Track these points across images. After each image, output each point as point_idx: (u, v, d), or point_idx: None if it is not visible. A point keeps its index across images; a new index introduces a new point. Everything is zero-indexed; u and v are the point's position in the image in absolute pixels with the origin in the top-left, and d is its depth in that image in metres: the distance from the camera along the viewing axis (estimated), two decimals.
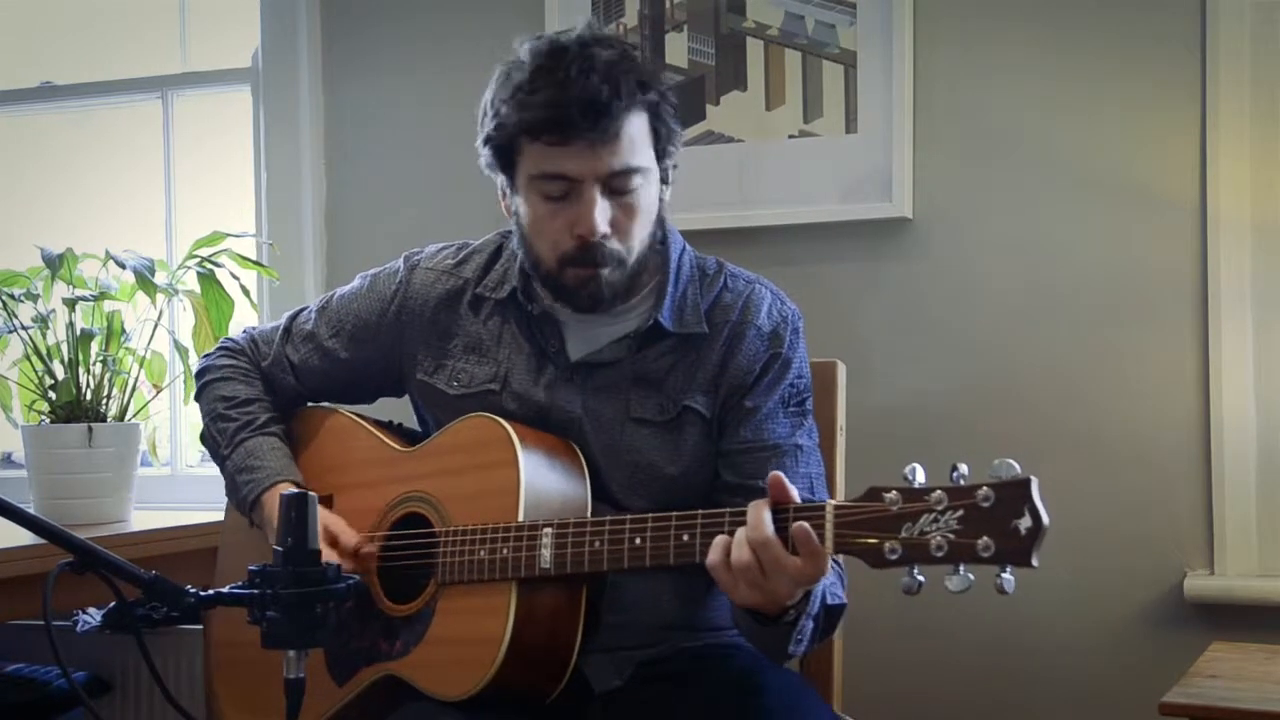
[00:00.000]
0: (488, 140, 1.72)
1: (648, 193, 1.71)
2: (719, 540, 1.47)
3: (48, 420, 2.54)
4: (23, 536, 2.06)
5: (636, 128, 1.67)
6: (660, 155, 1.73)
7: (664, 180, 1.75)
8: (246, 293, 2.66)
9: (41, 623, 1.30)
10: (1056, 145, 2.43)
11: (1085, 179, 2.41)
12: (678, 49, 2.65)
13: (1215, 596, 2.31)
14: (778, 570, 1.43)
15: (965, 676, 2.46)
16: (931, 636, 2.45)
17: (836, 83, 2.54)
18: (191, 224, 3.06)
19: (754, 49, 2.60)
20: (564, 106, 1.62)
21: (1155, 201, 2.37)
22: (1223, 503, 2.31)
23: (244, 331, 2.01)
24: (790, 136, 2.57)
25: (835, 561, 1.67)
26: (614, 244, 1.68)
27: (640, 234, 1.71)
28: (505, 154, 1.71)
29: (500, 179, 1.75)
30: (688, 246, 1.82)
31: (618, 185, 1.67)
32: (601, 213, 1.66)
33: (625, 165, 1.66)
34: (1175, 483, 2.36)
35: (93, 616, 1.38)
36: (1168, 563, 2.36)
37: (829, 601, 1.60)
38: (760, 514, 1.44)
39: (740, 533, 1.45)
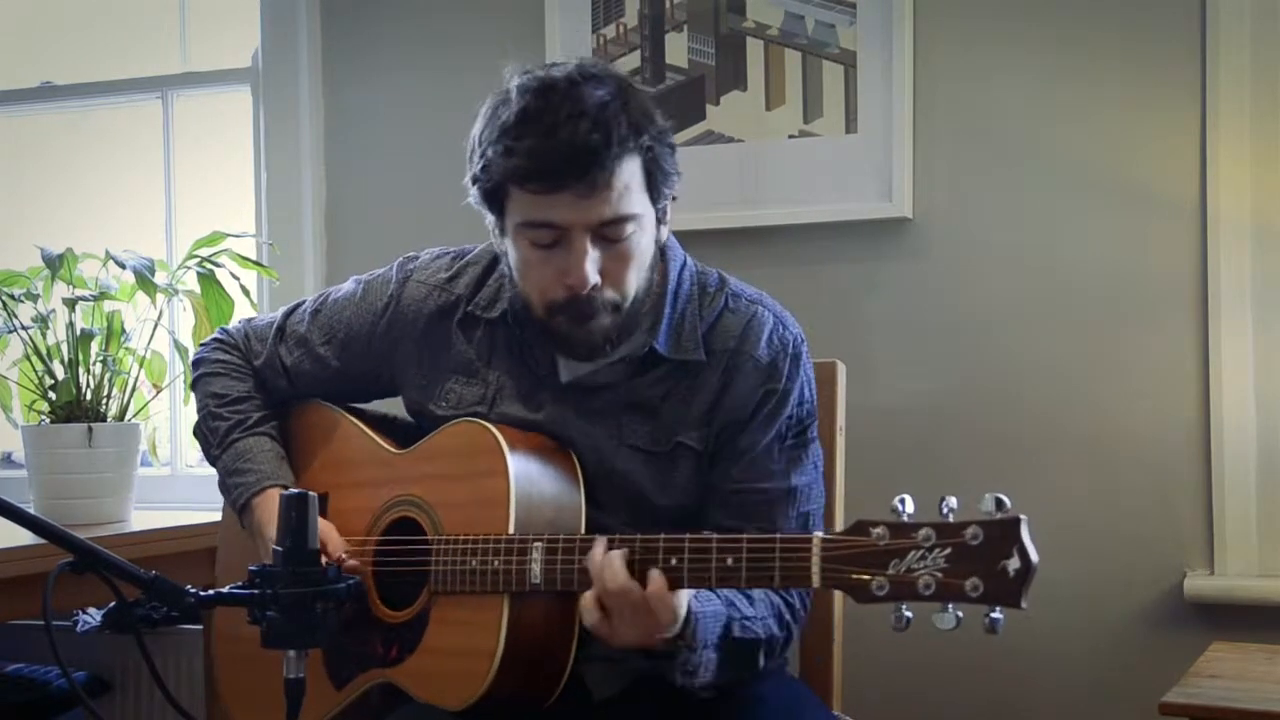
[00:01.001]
0: (475, 181, 1.65)
1: (641, 239, 1.63)
2: (588, 604, 1.50)
3: (48, 420, 2.54)
4: (23, 536, 2.05)
5: (629, 174, 1.59)
6: (655, 199, 1.65)
7: (660, 220, 1.68)
8: (246, 293, 2.66)
9: (41, 623, 1.30)
10: (1056, 145, 2.43)
11: (1085, 179, 2.41)
12: (678, 49, 2.65)
13: (1215, 596, 2.31)
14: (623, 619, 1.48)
15: (965, 677, 2.46)
16: (930, 637, 2.44)
17: (836, 83, 2.54)
18: (191, 224, 3.06)
19: (754, 49, 2.60)
20: (550, 156, 1.54)
21: (1155, 201, 2.37)
22: (1223, 503, 2.31)
23: (240, 323, 1.99)
24: (790, 136, 2.57)
25: (779, 593, 1.65)
26: (608, 293, 1.62)
27: (634, 280, 1.64)
28: (493, 197, 1.64)
29: (489, 218, 1.70)
30: (689, 260, 1.77)
31: (609, 234, 1.60)
32: (592, 263, 1.59)
33: (616, 214, 1.58)
34: (1175, 483, 2.36)
35: (93, 616, 1.39)
36: (1168, 563, 2.36)
37: (736, 634, 1.58)
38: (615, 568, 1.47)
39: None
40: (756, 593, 1.62)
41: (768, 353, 1.70)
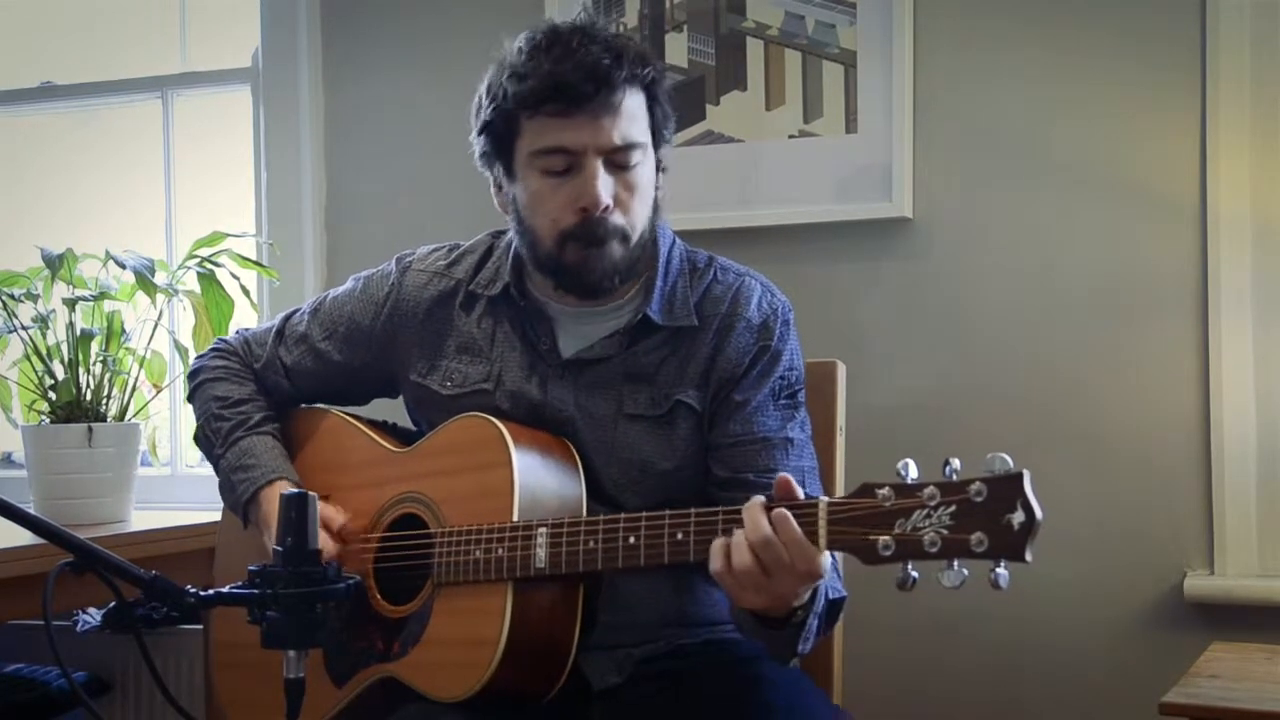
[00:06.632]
0: (484, 126, 1.71)
1: (646, 171, 1.71)
2: (717, 546, 1.45)
3: (48, 420, 2.54)
4: (23, 536, 2.06)
5: (636, 103, 1.68)
6: (656, 138, 1.72)
7: (659, 168, 1.75)
8: (246, 293, 2.66)
9: (41, 623, 1.31)
10: (1056, 145, 2.43)
11: (1085, 179, 2.41)
12: (678, 49, 2.65)
13: (1215, 596, 2.31)
14: (780, 569, 1.42)
15: (965, 675, 2.46)
16: (932, 634, 2.45)
17: (836, 83, 2.54)
18: (191, 224, 3.07)
19: (754, 49, 2.60)
20: (567, 75, 1.62)
21: (1155, 201, 2.37)
22: (1223, 503, 2.31)
23: (237, 333, 2.02)
24: (790, 136, 2.57)
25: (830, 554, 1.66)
26: (617, 218, 1.68)
27: (642, 211, 1.71)
28: (503, 137, 1.70)
29: (496, 170, 1.75)
30: (678, 240, 1.83)
31: (618, 160, 1.67)
32: (604, 185, 1.65)
33: (625, 139, 1.66)
34: (1175, 483, 2.36)
35: (93, 616, 1.38)
36: (1168, 563, 2.36)
37: (830, 596, 1.59)
38: (755, 515, 1.43)
39: (738, 535, 1.44)
40: None
41: (759, 314, 1.76)
